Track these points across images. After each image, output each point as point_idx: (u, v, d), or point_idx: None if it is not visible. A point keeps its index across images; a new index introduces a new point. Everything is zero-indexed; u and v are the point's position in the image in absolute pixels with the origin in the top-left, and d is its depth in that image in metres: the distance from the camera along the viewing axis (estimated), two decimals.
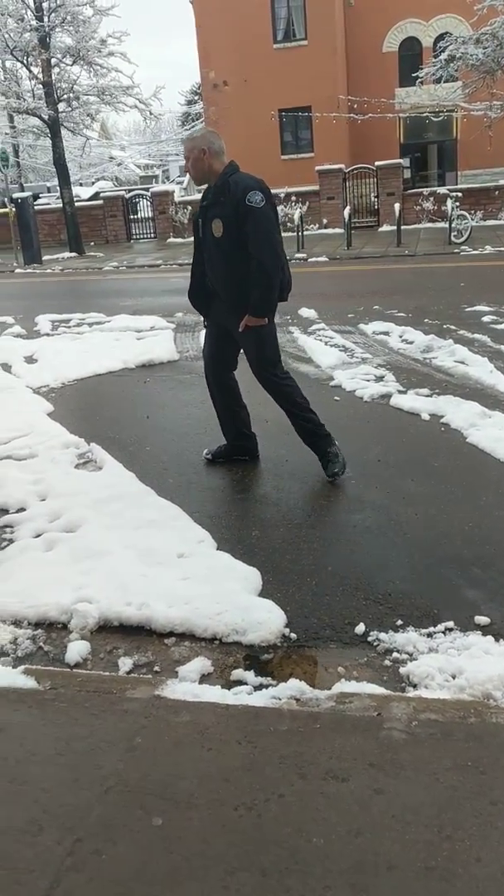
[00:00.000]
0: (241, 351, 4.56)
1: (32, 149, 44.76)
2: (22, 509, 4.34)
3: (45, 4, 19.44)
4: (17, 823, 2.05)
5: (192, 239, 4.66)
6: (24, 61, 20.36)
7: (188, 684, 2.69)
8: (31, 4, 19.60)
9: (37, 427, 5.66)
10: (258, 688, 2.70)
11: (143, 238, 23.72)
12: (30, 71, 20.74)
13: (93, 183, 38.33)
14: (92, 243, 22.62)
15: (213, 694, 2.61)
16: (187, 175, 4.25)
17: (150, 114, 21.64)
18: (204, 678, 2.82)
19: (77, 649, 3.06)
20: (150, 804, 2.08)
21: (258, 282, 4.17)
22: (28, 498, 4.42)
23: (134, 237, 23.80)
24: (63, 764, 2.27)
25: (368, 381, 6.42)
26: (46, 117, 20.31)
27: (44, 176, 47.57)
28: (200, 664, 2.89)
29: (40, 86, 20.53)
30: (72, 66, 20.47)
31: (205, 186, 4.43)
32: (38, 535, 4.01)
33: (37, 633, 3.22)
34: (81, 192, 27.43)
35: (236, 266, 4.22)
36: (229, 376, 4.71)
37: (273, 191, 4.42)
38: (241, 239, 4.15)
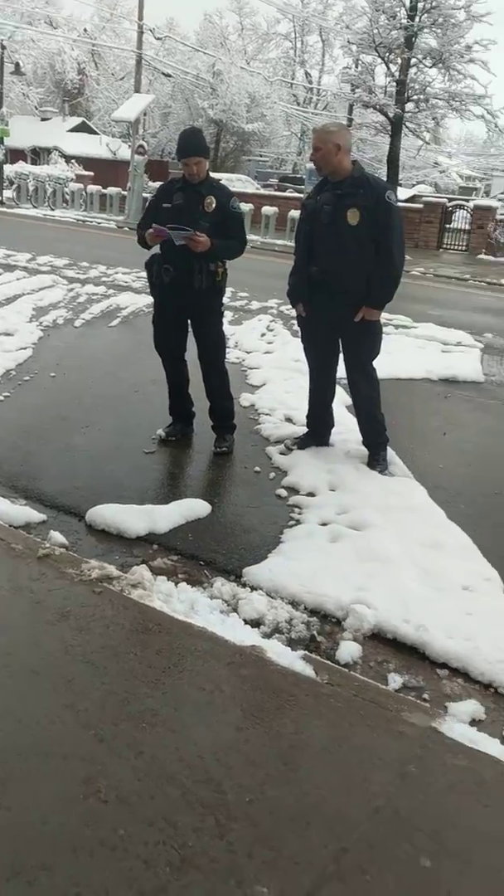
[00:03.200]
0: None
1: (363, 143, 45.61)
2: (312, 494, 4.40)
3: (420, 4, 19.54)
4: (287, 811, 2.06)
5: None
6: (385, 58, 20.66)
7: (465, 727, 2.57)
8: (407, 3, 19.80)
9: (340, 421, 5.69)
10: None
11: (453, 249, 23.25)
12: (388, 68, 21.03)
13: (412, 186, 38.17)
14: None
15: (492, 746, 2.46)
16: None
17: (496, 126, 21.08)
18: (475, 723, 2.68)
19: (349, 650, 3.04)
20: (419, 842, 2.00)
21: (387, 275, 4.43)
22: (319, 485, 4.48)
23: (444, 247, 23.41)
24: (333, 766, 2.25)
25: None
26: (392, 115, 20.52)
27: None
28: (473, 707, 2.76)
29: (394, 83, 20.75)
30: (430, 68, 20.45)
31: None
32: (325, 524, 4.04)
33: (311, 621, 3.26)
34: (399, 194, 27.48)
35: (368, 257, 4.40)
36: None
37: None
38: (374, 232, 4.36)
